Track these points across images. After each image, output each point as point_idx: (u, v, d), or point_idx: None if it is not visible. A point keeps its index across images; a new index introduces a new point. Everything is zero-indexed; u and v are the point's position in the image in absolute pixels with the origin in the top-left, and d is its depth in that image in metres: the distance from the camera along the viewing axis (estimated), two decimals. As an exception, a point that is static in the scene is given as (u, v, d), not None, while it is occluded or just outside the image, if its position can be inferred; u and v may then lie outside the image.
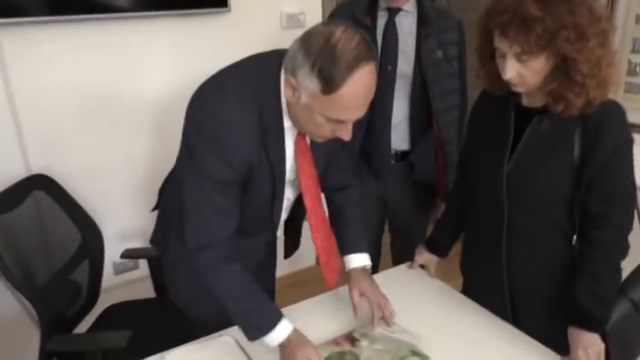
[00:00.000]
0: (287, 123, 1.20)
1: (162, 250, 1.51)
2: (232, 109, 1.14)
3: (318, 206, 1.34)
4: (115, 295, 1.97)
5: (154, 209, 1.58)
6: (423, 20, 1.73)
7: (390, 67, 1.74)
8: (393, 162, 1.88)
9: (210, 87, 1.19)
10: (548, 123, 1.22)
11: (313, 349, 1.22)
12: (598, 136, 1.17)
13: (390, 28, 1.74)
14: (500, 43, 1.14)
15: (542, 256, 1.31)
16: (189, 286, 1.40)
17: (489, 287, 1.42)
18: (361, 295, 1.38)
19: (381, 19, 1.75)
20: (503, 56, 1.16)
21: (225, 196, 1.19)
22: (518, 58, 1.13)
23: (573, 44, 1.09)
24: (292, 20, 2.40)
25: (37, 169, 1.96)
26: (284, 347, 1.23)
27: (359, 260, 1.43)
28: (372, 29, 1.73)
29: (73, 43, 1.96)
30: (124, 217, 2.26)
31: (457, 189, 1.57)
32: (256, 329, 1.23)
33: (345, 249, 1.45)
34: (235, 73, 1.19)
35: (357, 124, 1.77)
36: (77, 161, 2.11)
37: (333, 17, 1.86)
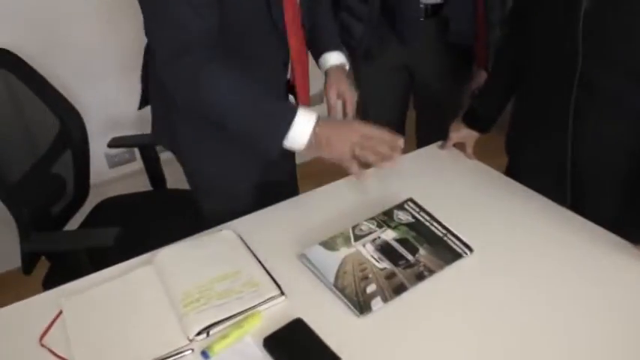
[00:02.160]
0: None
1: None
2: None
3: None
4: (111, 190, 1.78)
5: (141, 106, 1.34)
6: None
7: None
8: (422, 19, 1.54)
9: None
10: None
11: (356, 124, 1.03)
12: None
13: None
14: None
15: (624, 121, 1.02)
16: (190, 138, 1.22)
17: (545, 165, 1.16)
18: (338, 96, 1.23)
19: None
20: None
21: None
22: None
23: None
24: None
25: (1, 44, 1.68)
26: (318, 138, 1.00)
27: (335, 58, 1.27)
28: None
29: None
30: (113, 104, 2.01)
31: (508, 44, 1.25)
32: (273, 134, 1.00)
33: (320, 48, 1.28)
34: None
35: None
36: (51, 38, 1.82)
37: None
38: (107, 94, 2.00)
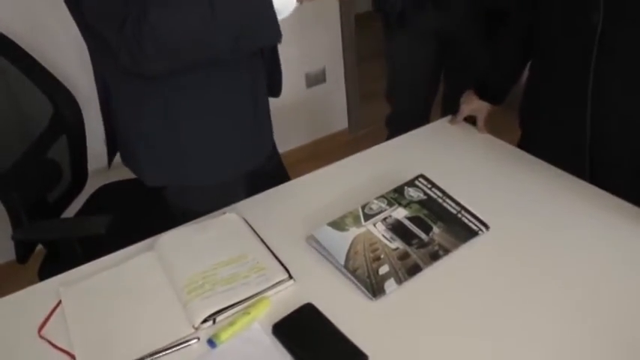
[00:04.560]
0: None
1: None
2: None
3: None
4: (112, 176, 1.73)
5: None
6: None
7: None
8: None
9: None
10: None
11: None
12: None
13: None
14: None
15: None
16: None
17: (562, 137, 1.10)
18: None
19: None
20: None
21: None
22: None
23: None
24: None
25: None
26: None
27: None
28: None
29: None
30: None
31: (522, 9, 1.18)
32: (260, 8, 0.87)
33: None
34: None
35: None
36: (46, 24, 1.76)
37: None
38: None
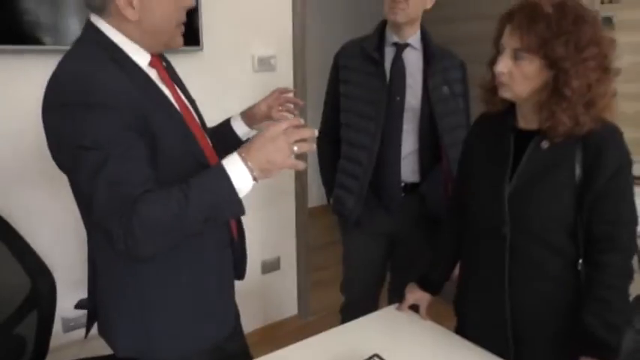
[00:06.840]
0: (139, 59, 1.12)
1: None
2: (91, 66, 1.04)
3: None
4: (65, 356, 1.74)
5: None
6: (428, 57, 1.79)
7: (398, 98, 1.76)
8: (403, 194, 1.82)
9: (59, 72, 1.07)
10: (547, 144, 1.20)
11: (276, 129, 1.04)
12: (599, 157, 1.15)
13: (398, 62, 1.78)
14: (505, 36, 1.17)
15: (548, 282, 1.24)
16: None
17: (489, 322, 1.33)
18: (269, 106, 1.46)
19: (389, 54, 1.80)
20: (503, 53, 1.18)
21: (131, 160, 1.01)
22: (515, 54, 1.15)
23: (569, 53, 1.10)
24: (264, 64, 2.39)
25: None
26: (258, 165, 1.03)
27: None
28: (380, 63, 1.77)
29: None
30: (80, 267, 2.04)
31: (450, 221, 1.50)
32: (227, 201, 1.03)
33: (225, 130, 1.47)
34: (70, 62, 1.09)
35: (368, 157, 1.79)
36: (26, 199, 1.93)
37: (343, 52, 1.91)
38: (72, 255, 2.05)
